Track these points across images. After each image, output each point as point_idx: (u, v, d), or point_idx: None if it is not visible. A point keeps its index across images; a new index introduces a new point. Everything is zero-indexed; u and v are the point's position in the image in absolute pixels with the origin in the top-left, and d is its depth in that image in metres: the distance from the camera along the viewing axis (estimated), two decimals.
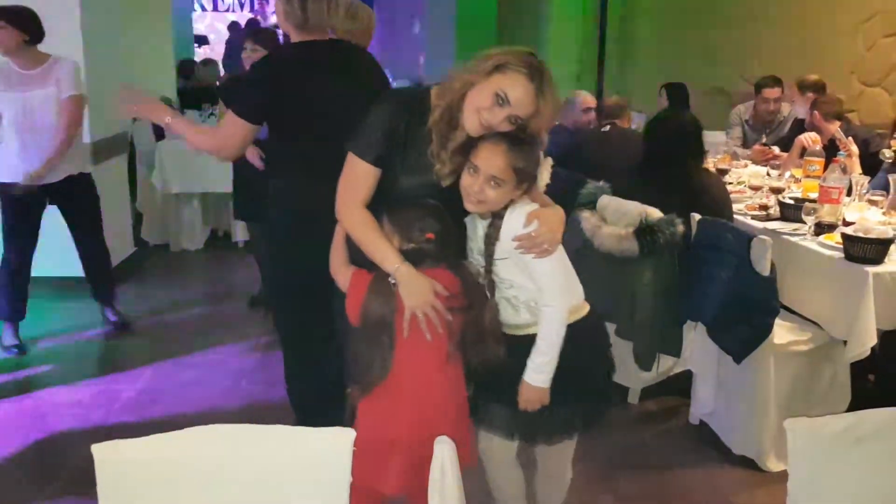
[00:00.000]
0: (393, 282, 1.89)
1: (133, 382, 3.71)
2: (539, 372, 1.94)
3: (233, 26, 12.11)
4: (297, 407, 2.72)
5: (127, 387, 3.66)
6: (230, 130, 2.41)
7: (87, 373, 3.82)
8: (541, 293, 1.93)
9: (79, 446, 3.01)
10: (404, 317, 1.88)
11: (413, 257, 1.91)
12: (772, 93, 5.26)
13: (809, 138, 4.34)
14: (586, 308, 2.06)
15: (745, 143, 5.42)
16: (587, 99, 4.95)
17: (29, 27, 3.82)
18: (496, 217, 1.92)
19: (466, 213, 1.99)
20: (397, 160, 1.96)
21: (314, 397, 2.65)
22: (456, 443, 1.47)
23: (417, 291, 1.87)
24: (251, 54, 3.96)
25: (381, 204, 1.98)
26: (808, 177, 3.94)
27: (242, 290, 4.92)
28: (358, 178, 1.98)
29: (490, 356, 1.96)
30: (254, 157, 3.74)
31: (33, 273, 4.07)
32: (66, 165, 3.99)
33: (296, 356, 2.66)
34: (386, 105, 2.00)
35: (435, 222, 1.93)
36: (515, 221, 1.90)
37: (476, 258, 2.00)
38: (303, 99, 2.38)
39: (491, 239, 1.92)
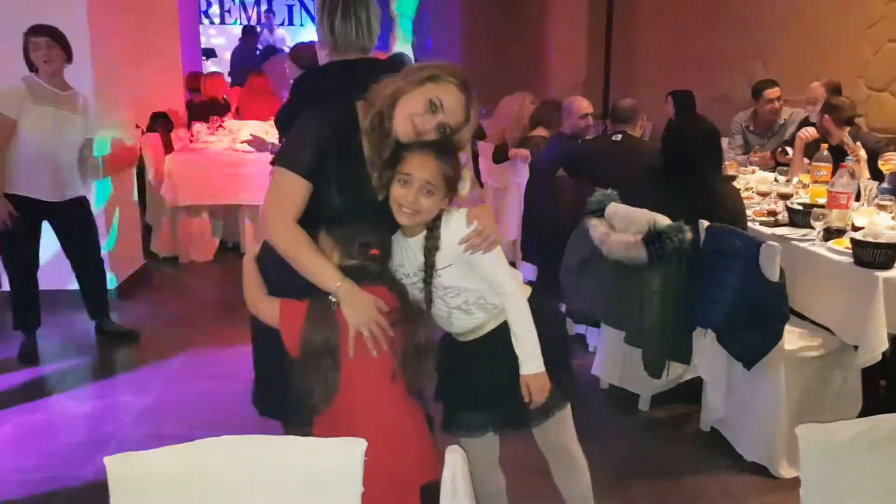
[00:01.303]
0: (334, 300, 1.83)
1: (144, 394, 3.72)
2: (531, 359, 1.97)
3: (247, 30, 11.85)
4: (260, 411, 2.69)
5: (138, 399, 3.67)
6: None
7: (98, 385, 3.84)
8: (496, 286, 1.97)
9: (91, 459, 3.05)
10: (349, 336, 1.82)
11: (354, 274, 1.85)
12: (773, 92, 5.30)
13: (808, 132, 4.35)
14: (528, 289, 2.07)
15: (748, 151, 5.43)
16: (584, 104, 4.95)
17: (69, 47, 3.95)
18: (432, 228, 1.94)
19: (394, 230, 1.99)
20: (331, 174, 1.92)
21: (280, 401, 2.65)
22: (421, 456, 1.43)
23: (361, 309, 1.82)
24: (290, 72, 4.20)
25: (313, 222, 1.92)
26: (816, 182, 3.92)
27: None
28: (288, 192, 1.91)
29: (435, 367, 1.95)
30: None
31: (44, 287, 4.11)
32: (72, 188, 4.05)
33: (265, 362, 2.63)
34: (314, 118, 1.96)
35: (377, 238, 1.91)
36: (456, 225, 1.92)
37: (409, 279, 1.99)
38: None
39: (431, 250, 1.94)
